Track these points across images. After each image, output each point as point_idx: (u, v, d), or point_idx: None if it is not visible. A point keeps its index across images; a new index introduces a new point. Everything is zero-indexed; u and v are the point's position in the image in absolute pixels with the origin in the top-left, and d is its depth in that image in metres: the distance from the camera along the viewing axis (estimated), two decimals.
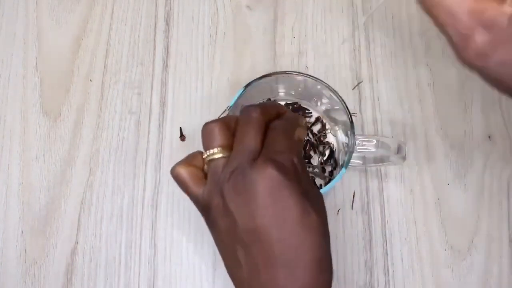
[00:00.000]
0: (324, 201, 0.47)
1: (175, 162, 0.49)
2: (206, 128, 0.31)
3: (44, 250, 0.46)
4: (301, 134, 0.33)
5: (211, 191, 0.30)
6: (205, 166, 0.32)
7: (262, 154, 0.29)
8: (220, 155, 0.31)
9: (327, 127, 0.48)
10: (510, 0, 0.24)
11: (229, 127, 0.31)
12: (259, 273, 0.28)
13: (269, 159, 0.28)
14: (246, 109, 0.31)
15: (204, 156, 0.32)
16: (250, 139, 0.30)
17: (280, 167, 0.28)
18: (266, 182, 0.28)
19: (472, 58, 0.25)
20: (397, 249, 0.46)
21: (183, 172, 0.32)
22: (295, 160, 0.30)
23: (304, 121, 0.34)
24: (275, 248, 0.28)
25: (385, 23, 0.53)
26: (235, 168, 0.29)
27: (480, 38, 0.24)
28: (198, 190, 0.31)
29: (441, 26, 0.27)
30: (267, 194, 0.28)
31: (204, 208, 0.31)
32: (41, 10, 0.54)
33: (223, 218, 0.29)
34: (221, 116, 0.41)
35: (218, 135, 0.31)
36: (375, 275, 0.45)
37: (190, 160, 0.33)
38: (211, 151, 0.31)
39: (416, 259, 0.46)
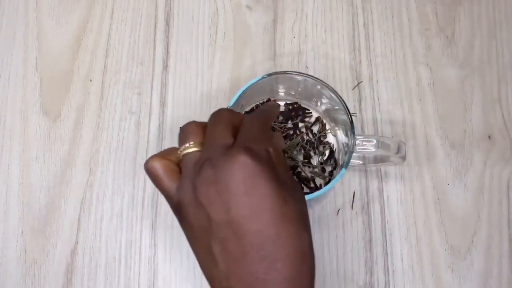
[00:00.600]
0: (324, 201, 0.47)
1: None
2: (182, 128, 0.31)
3: (44, 250, 0.46)
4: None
5: (183, 186, 0.29)
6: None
7: (235, 143, 0.29)
8: (194, 149, 0.30)
9: (327, 127, 0.48)
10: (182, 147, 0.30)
11: (203, 127, 0.31)
12: (237, 268, 0.27)
13: (242, 147, 0.27)
14: (215, 112, 0.32)
15: (178, 152, 0.31)
16: (220, 132, 0.30)
17: (254, 155, 0.27)
18: (239, 169, 0.26)
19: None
20: (397, 249, 0.46)
21: (157, 165, 0.30)
22: (270, 149, 0.28)
23: (277, 109, 0.33)
24: (253, 240, 0.26)
25: (385, 23, 0.53)
26: (205, 159, 0.28)
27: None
28: (171, 185, 0.30)
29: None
30: (241, 183, 0.26)
31: (176, 205, 0.30)
32: (41, 10, 0.54)
33: (195, 213, 0.28)
34: None
35: (192, 132, 0.30)
36: (375, 275, 0.45)
37: (165, 153, 0.31)
38: (186, 145, 0.30)
39: (416, 259, 0.46)
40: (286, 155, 0.46)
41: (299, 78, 0.44)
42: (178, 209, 0.29)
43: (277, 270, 0.26)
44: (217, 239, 0.27)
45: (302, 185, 0.46)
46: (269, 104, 0.34)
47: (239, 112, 0.33)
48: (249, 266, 0.26)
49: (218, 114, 0.31)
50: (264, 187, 0.26)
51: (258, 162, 0.27)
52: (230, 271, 0.27)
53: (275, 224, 0.26)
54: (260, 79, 0.42)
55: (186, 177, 0.29)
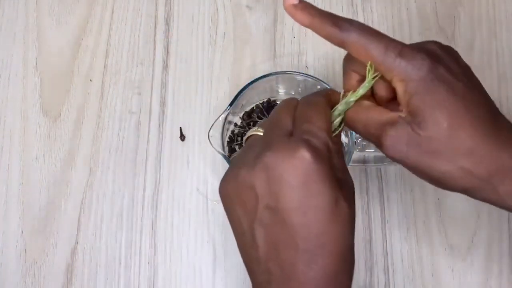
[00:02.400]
0: None
1: (175, 162, 0.49)
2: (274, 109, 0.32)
3: (44, 250, 0.46)
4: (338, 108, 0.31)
5: (243, 159, 0.29)
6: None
7: (295, 132, 0.29)
8: (261, 132, 0.31)
9: None
10: (403, 108, 0.29)
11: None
12: (278, 254, 0.27)
13: (303, 140, 0.27)
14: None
15: (248, 133, 0.33)
16: (280, 117, 0.30)
17: (314, 150, 0.27)
18: (296, 163, 0.26)
19: (387, 152, 0.29)
20: (397, 249, 0.46)
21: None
22: (330, 143, 0.28)
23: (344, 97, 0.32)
24: (298, 232, 0.27)
25: (385, 23, 0.53)
26: (267, 143, 0.28)
27: (386, 135, 0.29)
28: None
29: (364, 136, 0.31)
30: (295, 177, 0.26)
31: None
32: (41, 10, 0.54)
33: (245, 191, 0.28)
34: (221, 117, 0.41)
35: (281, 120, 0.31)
36: (375, 275, 0.45)
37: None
38: (255, 128, 0.32)
39: (416, 259, 0.46)
40: None
41: (299, 78, 0.44)
42: (227, 175, 0.30)
43: (318, 265, 0.27)
44: (262, 223, 0.27)
45: None
46: (326, 89, 0.34)
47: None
48: (291, 256, 0.27)
49: (285, 100, 0.32)
50: (317, 184, 0.27)
51: (316, 159, 0.27)
52: (270, 256, 0.28)
53: (322, 222, 0.27)
54: (260, 79, 0.42)
55: (249, 151, 0.30)
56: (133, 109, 0.50)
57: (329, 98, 0.32)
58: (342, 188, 0.28)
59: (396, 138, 0.28)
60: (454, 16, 0.53)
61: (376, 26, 0.52)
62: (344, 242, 0.28)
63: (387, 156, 0.29)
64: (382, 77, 0.30)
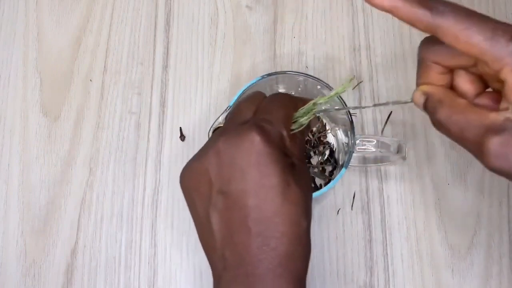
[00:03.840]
0: (324, 201, 0.47)
1: (175, 162, 0.49)
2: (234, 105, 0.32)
3: (44, 250, 0.46)
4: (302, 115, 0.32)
5: (199, 152, 0.29)
6: None
7: (250, 120, 0.29)
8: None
9: (327, 127, 0.48)
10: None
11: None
12: (232, 240, 0.27)
13: (255, 125, 0.27)
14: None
15: (213, 127, 0.33)
16: (244, 109, 0.30)
17: (265, 134, 0.27)
18: (247, 145, 0.27)
19: (493, 162, 0.24)
20: (397, 249, 0.46)
21: None
22: (284, 133, 0.28)
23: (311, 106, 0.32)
24: (251, 214, 0.27)
25: (385, 23, 0.53)
26: (221, 132, 0.29)
27: (492, 142, 0.24)
28: None
29: (459, 142, 0.27)
30: (245, 158, 0.27)
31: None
32: (41, 10, 0.54)
33: (200, 178, 0.28)
34: (221, 116, 0.41)
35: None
36: (375, 275, 0.45)
37: None
38: (221, 121, 0.32)
39: (416, 259, 0.46)
40: None
41: (299, 78, 0.44)
42: (184, 166, 0.30)
43: (271, 247, 0.26)
44: (216, 208, 0.27)
45: None
46: (299, 96, 0.34)
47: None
48: (244, 238, 0.27)
49: (251, 93, 0.32)
50: (268, 166, 0.27)
51: (267, 141, 0.27)
52: (225, 241, 0.27)
53: (274, 202, 0.27)
54: (260, 79, 0.42)
55: (207, 142, 0.30)
56: (133, 109, 0.50)
57: (295, 99, 0.32)
58: (295, 174, 0.28)
59: (504, 147, 0.24)
60: None
61: (376, 26, 0.52)
62: (297, 224, 0.27)
63: (489, 168, 0.25)
64: (465, 66, 0.26)
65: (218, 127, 0.33)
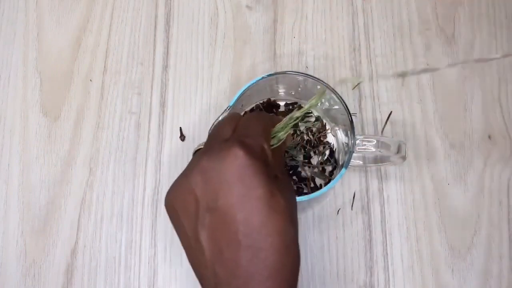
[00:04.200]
0: (324, 201, 0.47)
1: (175, 162, 0.49)
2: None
3: (44, 250, 0.46)
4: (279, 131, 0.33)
5: (181, 174, 0.30)
6: None
7: (231, 136, 0.30)
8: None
9: (327, 127, 0.48)
10: None
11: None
12: (222, 255, 0.27)
13: (237, 140, 0.28)
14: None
15: (195, 149, 0.34)
16: (223, 128, 0.31)
17: (247, 148, 0.28)
18: (230, 160, 0.27)
19: None
20: (397, 249, 0.46)
21: None
22: (265, 146, 0.29)
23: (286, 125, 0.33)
24: (239, 227, 0.27)
25: (385, 23, 0.53)
26: (203, 152, 0.29)
27: None
28: None
29: None
30: (230, 173, 0.27)
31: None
32: (41, 10, 0.54)
33: (186, 198, 0.29)
34: (221, 116, 0.41)
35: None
36: (375, 275, 0.45)
37: None
38: (201, 143, 0.32)
39: (416, 259, 0.46)
40: (286, 154, 0.46)
41: (299, 78, 0.44)
42: (169, 188, 0.30)
43: (260, 259, 0.27)
44: (204, 226, 0.28)
45: (302, 184, 0.46)
46: (274, 115, 0.35)
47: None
48: (234, 253, 0.27)
49: (229, 114, 0.33)
50: (252, 178, 0.27)
51: (250, 155, 0.27)
52: (215, 257, 0.28)
53: (261, 213, 0.27)
54: (260, 79, 0.42)
55: (190, 163, 0.30)
56: (133, 109, 0.50)
57: (272, 117, 0.33)
58: (279, 183, 0.28)
59: None
60: (454, 16, 0.53)
61: (376, 26, 0.53)
62: (284, 233, 0.27)
63: None
64: None
65: (199, 149, 0.34)
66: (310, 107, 0.33)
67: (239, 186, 0.27)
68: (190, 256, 0.30)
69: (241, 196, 0.27)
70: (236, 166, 0.27)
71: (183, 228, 0.29)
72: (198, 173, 0.28)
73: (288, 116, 0.33)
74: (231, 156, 0.27)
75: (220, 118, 0.41)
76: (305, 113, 0.48)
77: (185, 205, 0.29)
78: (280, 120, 0.33)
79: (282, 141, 0.32)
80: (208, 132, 0.40)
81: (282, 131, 0.33)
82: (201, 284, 0.30)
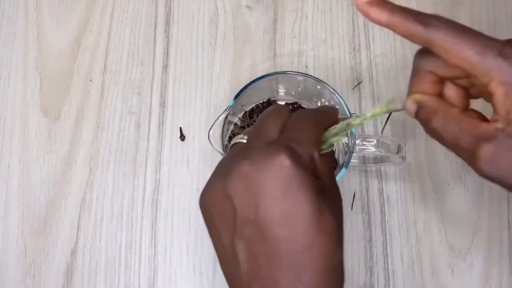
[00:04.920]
0: None
1: (175, 162, 0.49)
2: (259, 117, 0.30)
3: (44, 250, 0.46)
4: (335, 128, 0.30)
5: (218, 170, 0.28)
6: None
7: (278, 139, 0.27)
8: (245, 140, 0.29)
9: None
10: (501, 118, 0.25)
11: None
12: (260, 272, 0.25)
13: (284, 146, 0.25)
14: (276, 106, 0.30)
15: (232, 141, 0.31)
16: (268, 125, 0.28)
17: (295, 157, 0.25)
18: (275, 170, 0.24)
19: (484, 169, 0.25)
20: (397, 249, 0.46)
21: None
22: (315, 154, 0.26)
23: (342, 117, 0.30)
24: (282, 247, 0.25)
25: None
26: (245, 150, 0.27)
27: (484, 150, 0.25)
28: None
29: (453, 150, 0.27)
30: (274, 184, 0.24)
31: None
32: (41, 10, 0.54)
33: (221, 203, 0.26)
34: (221, 117, 0.41)
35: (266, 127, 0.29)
36: (375, 275, 0.45)
37: None
38: (240, 135, 0.30)
39: (416, 259, 0.46)
40: None
41: (299, 78, 0.44)
42: (205, 186, 0.28)
43: (303, 283, 0.25)
44: (242, 238, 0.25)
45: None
46: (329, 107, 0.33)
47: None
48: (274, 273, 0.25)
49: (276, 107, 0.30)
50: (299, 193, 0.25)
51: (298, 165, 0.25)
52: (252, 274, 0.25)
53: (308, 234, 0.25)
54: (260, 79, 0.42)
55: (229, 160, 0.28)
56: (133, 109, 0.50)
57: (326, 116, 0.30)
58: (328, 199, 0.26)
59: (494, 155, 0.25)
60: (454, 16, 0.53)
61: (376, 27, 0.52)
62: (332, 257, 0.25)
63: (481, 175, 0.26)
64: (454, 81, 0.27)
65: (237, 142, 0.30)
66: (373, 116, 0.29)
67: (284, 200, 0.24)
68: (224, 266, 0.27)
69: (285, 212, 0.24)
70: (281, 177, 0.24)
71: (219, 235, 0.27)
72: (238, 179, 0.25)
73: (345, 122, 0.30)
74: (277, 165, 0.25)
75: (220, 118, 0.41)
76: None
77: (222, 212, 0.26)
78: (333, 118, 0.30)
79: (332, 147, 0.30)
80: (209, 132, 0.40)
81: (334, 137, 0.29)
82: None
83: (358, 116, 0.30)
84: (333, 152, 0.30)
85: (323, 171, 0.27)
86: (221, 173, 0.27)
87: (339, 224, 0.26)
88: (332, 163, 0.31)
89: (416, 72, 0.29)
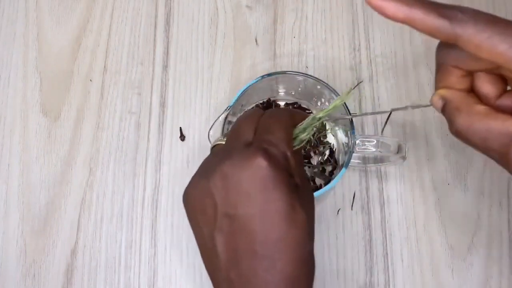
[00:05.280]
0: (324, 201, 0.47)
1: (175, 162, 0.49)
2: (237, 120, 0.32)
3: (44, 250, 0.46)
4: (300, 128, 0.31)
5: (201, 169, 0.30)
6: None
7: (254, 141, 0.29)
8: (224, 142, 0.31)
9: (327, 127, 0.48)
10: None
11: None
12: (238, 263, 0.27)
13: (261, 148, 0.27)
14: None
15: (213, 143, 0.33)
16: (244, 127, 0.30)
17: (271, 158, 0.27)
18: (253, 171, 0.27)
19: None
20: (397, 249, 0.46)
21: None
22: (288, 154, 0.28)
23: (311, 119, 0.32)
24: (257, 238, 0.27)
25: (385, 23, 0.53)
26: (226, 152, 0.29)
27: None
28: None
29: (483, 152, 0.26)
30: (252, 184, 0.27)
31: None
32: (41, 10, 0.54)
33: (204, 199, 0.28)
34: (221, 116, 0.41)
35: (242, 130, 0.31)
36: (375, 275, 0.45)
37: None
38: (220, 138, 0.32)
39: (416, 259, 0.46)
40: None
41: (299, 78, 0.44)
42: (189, 184, 0.30)
43: (277, 270, 0.27)
44: (221, 231, 0.28)
45: None
46: (297, 110, 0.34)
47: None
48: (250, 262, 0.27)
49: (249, 111, 0.32)
50: (274, 191, 0.27)
51: (273, 166, 0.27)
52: (230, 262, 0.28)
53: (281, 227, 0.27)
54: (260, 79, 0.42)
55: (211, 160, 0.30)
56: (133, 109, 0.50)
57: (293, 114, 0.32)
58: (300, 196, 0.28)
59: None
60: None
61: (376, 27, 0.52)
62: (302, 247, 0.28)
63: None
64: (487, 70, 0.25)
65: (217, 144, 0.33)
66: (334, 107, 0.31)
67: (260, 198, 0.27)
68: (204, 257, 0.30)
69: (261, 208, 0.27)
70: (258, 177, 0.27)
71: (200, 229, 0.29)
72: (219, 179, 0.28)
73: (311, 116, 0.31)
74: (254, 167, 0.27)
75: (220, 118, 0.41)
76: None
77: (204, 207, 0.28)
78: (303, 117, 0.32)
79: (304, 143, 0.31)
80: (209, 132, 0.40)
81: (304, 133, 0.31)
82: (213, 284, 0.30)
83: (321, 110, 0.31)
84: (302, 149, 0.31)
85: (296, 168, 0.29)
86: (204, 172, 0.29)
87: (309, 220, 0.28)
88: (302, 159, 0.33)
89: (439, 68, 0.28)
